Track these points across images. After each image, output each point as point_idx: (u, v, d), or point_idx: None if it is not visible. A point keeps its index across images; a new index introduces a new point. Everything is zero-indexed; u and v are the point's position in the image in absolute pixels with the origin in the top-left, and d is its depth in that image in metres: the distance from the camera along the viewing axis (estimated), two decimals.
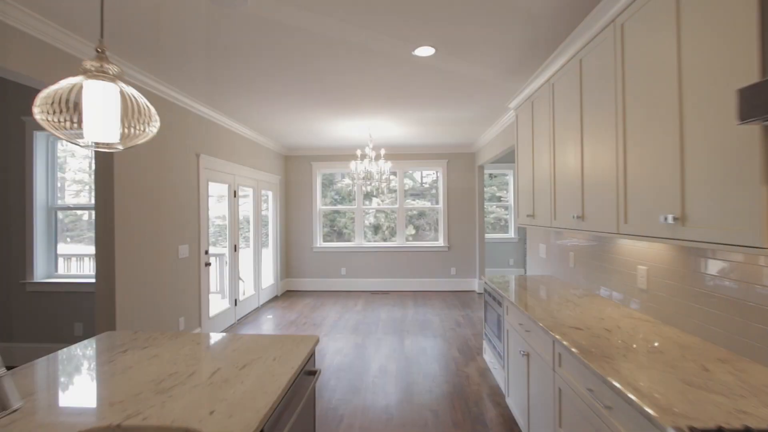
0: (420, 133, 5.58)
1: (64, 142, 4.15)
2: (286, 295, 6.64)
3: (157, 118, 1.44)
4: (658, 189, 1.49)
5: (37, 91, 2.92)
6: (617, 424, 1.28)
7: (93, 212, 3.57)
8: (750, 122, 0.97)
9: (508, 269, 7.87)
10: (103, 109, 1.30)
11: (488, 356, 3.36)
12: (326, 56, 2.86)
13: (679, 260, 1.80)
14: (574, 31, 2.12)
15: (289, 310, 5.64)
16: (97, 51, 1.32)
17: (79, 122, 1.27)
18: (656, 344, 1.61)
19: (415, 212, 7.35)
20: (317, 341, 1.72)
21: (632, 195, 1.67)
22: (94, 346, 1.65)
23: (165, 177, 3.49)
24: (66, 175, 4.06)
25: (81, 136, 1.30)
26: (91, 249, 3.98)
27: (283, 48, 2.70)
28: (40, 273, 3.62)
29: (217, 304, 4.77)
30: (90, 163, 4.14)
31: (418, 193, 7.61)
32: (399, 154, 6.97)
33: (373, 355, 3.84)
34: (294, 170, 7.07)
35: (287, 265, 7.04)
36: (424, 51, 2.74)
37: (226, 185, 4.78)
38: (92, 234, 4.00)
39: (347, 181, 7.41)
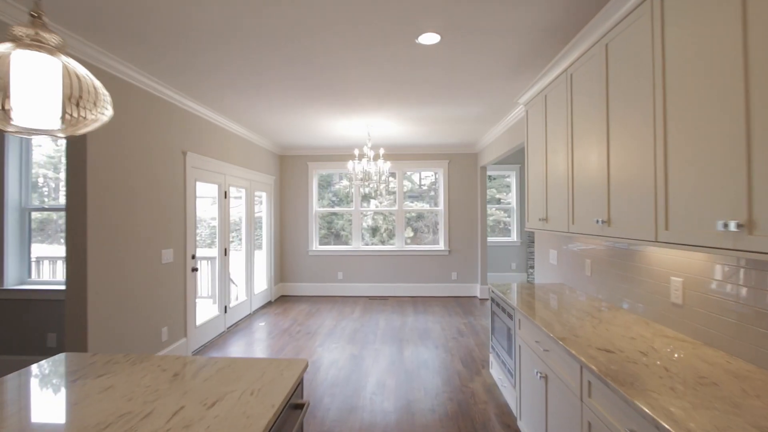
0: (421, 132, 5.34)
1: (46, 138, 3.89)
2: (280, 301, 6.37)
3: (110, 101, 1.18)
4: (715, 190, 1.24)
5: None
6: None
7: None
8: None
9: (511, 274, 7.63)
10: (37, 87, 1.05)
11: (496, 371, 3.11)
12: (320, 42, 2.61)
13: (730, 273, 1.56)
14: (601, 12, 1.88)
15: (283, 317, 5.37)
16: (32, 15, 1.07)
17: (3, 103, 1.01)
18: (705, 374, 1.36)
19: (413, 214, 7.11)
20: (306, 367, 1.47)
21: (676, 198, 1.43)
22: (41, 372, 1.39)
23: (147, 176, 3.23)
24: (40, 172, 3.79)
25: (9, 119, 1.05)
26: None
27: (269, 31, 2.46)
28: (11, 279, 3.34)
29: (205, 312, 4.50)
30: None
31: (416, 196, 7.37)
32: (398, 154, 6.73)
33: (370, 368, 3.58)
34: (289, 170, 6.81)
35: (282, 270, 6.77)
36: (429, 38, 2.50)
37: (216, 185, 4.52)
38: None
39: (345, 182, 7.17)
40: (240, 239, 5.48)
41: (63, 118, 1.09)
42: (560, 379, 1.77)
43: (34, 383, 1.31)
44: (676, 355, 1.53)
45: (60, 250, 3.92)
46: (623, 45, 1.76)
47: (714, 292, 1.63)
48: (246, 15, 2.25)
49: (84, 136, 2.59)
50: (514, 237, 7.72)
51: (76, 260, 2.60)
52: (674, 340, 1.72)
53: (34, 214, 3.68)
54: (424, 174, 7.41)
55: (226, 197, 4.66)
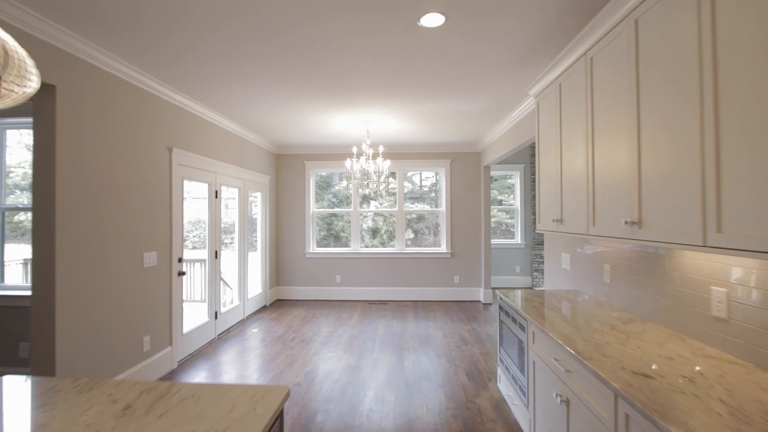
0: (422, 129, 5.10)
1: (22, 132, 3.65)
2: (275, 305, 6.12)
3: (36, 72, 0.94)
4: None
5: None
6: None
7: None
8: None
9: (515, 277, 7.38)
10: None
11: (504, 386, 2.86)
12: (318, 29, 2.37)
13: None
14: None
15: (278, 323, 5.12)
16: None
17: None
18: None
19: (414, 216, 6.86)
20: (286, 396, 1.22)
21: (732, 195, 1.18)
22: None
23: (127, 173, 2.99)
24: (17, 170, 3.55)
25: None
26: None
27: (261, 18, 2.22)
28: None
29: (194, 318, 4.26)
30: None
31: (417, 197, 7.14)
32: (399, 153, 6.49)
33: (368, 380, 3.33)
34: (286, 170, 6.58)
35: (277, 273, 6.53)
36: (432, 19, 2.26)
37: (206, 184, 4.28)
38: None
39: (345, 183, 6.94)
40: (233, 241, 5.24)
41: None
42: (586, 406, 1.52)
43: None
44: (730, 384, 1.28)
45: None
46: (659, 19, 1.52)
47: None
48: (237, 1, 2.02)
49: (53, 128, 2.35)
50: (518, 239, 7.47)
51: (42, 265, 2.36)
52: (720, 361, 1.48)
53: (20, 216, 3.44)
54: (424, 175, 7.19)
55: (216, 197, 4.42)
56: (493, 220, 7.60)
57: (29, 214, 3.50)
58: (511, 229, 7.59)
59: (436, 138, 5.71)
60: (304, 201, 6.54)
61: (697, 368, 1.41)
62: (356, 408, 2.85)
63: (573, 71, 2.28)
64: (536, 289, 7.08)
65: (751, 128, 1.11)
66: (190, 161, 3.85)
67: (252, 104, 3.94)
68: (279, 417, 1.20)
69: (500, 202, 7.63)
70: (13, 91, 0.92)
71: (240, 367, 3.63)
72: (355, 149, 4.61)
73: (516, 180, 7.51)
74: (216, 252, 4.43)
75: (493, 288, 7.18)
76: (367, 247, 6.77)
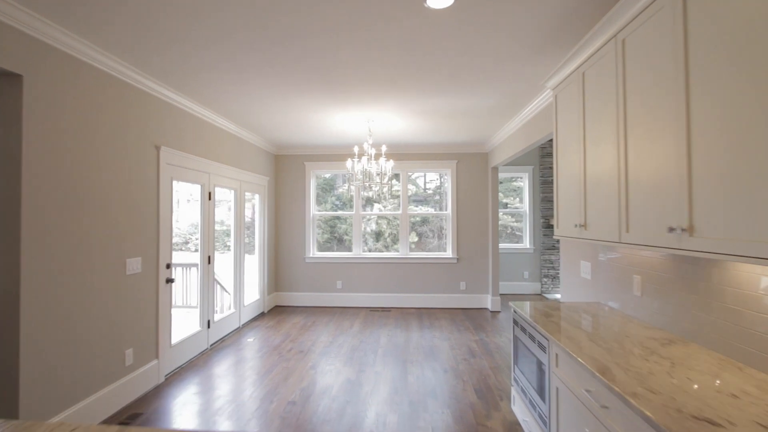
0: (426, 128, 4.85)
1: None
2: (274, 312, 5.87)
3: None
4: None
5: None
6: None
7: None
8: None
9: (523, 283, 7.09)
10: None
11: (519, 409, 2.58)
12: (318, 13, 2.13)
13: None
14: None
15: (275, 331, 4.87)
16: None
17: None
18: None
19: (418, 219, 6.60)
20: None
21: None
22: None
23: (108, 173, 2.76)
24: None
25: None
26: None
27: (255, 4, 1.98)
28: None
29: (185, 327, 4.02)
30: None
31: (421, 200, 6.89)
32: (402, 153, 6.24)
33: (369, 397, 3.07)
34: (285, 171, 6.34)
35: (276, 278, 6.28)
36: (440, 0, 2.01)
37: (199, 186, 4.05)
38: None
39: (351, 188, 6.69)
40: (229, 245, 5.01)
41: None
42: None
43: None
44: None
45: None
46: None
47: None
48: None
49: (19, 121, 2.12)
50: (526, 243, 7.19)
51: (5, 273, 2.12)
52: None
53: None
54: (429, 177, 6.94)
55: (210, 199, 4.19)
56: (498, 223, 7.32)
57: None
58: (517, 233, 7.32)
59: (442, 138, 5.45)
60: (304, 203, 6.30)
61: None
62: (355, 431, 2.59)
63: (600, 57, 2.02)
64: (547, 296, 6.79)
65: None
66: (181, 160, 3.62)
67: (246, 100, 3.70)
68: None
69: (506, 206, 7.36)
70: None
71: (231, 381, 3.38)
72: (356, 149, 4.36)
73: (524, 182, 7.23)
74: (209, 257, 4.19)
75: (501, 294, 6.89)
76: (370, 251, 6.52)
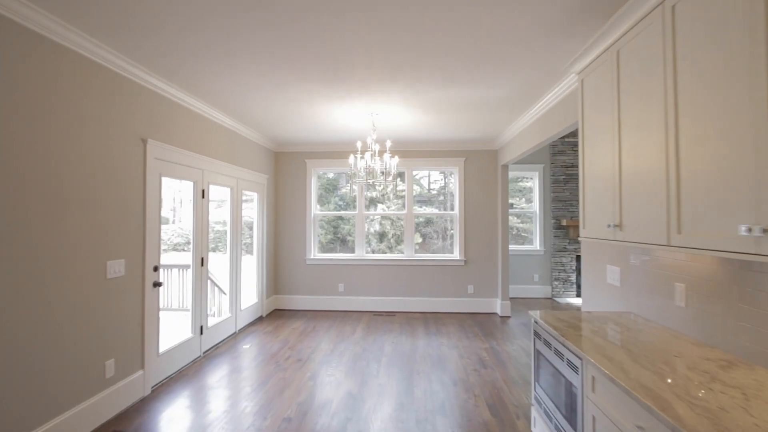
0: (433, 123, 4.57)
1: None
2: (272, 316, 5.61)
3: None
4: None
5: None
6: None
7: None
8: None
9: (533, 286, 6.79)
10: None
11: None
12: None
13: None
14: None
15: (273, 337, 4.61)
16: None
17: None
18: None
19: (421, 220, 6.32)
20: None
21: None
22: None
23: (86, 166, 2.51)
24: None
25: None
26: None
27: None
28: None
29: (176, 333, 3.76)
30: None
31: (425, 200, 6.61)
32: (408, 150, 5.96)
33: (371, 414, 2.80)
34: (285, 169, 6.09)
35: (276, 280, 6.03)
36: None
37: (191, 182, 3.79)
38: None
39: (353, 187, 6.43)
40: (223, 246, 4.76)
41: None
42: None
43: None
44: None
45: None
46: None
47: None
48: None
49: None
50: (536, 245, 6.89)
51: None
52: None
53: None
54: (433, 178, 6.66)
55: (203, 197, 3.94)
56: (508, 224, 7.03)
57: None
58: (523, 234, 7.04)
59: (449, 134, 5.17)
60: (305, 203, 6.04)
61: None
62: None
63: (641, 30, 1.74)
64: (558, 301, 6.49)
65: None
66: (171, 155, 3.37)
67: (241, 90, 3.45)
68: None
69: (511, 206, 7.07)
70: None
71: (223, 393, 3.12)
72: (359, 144, 4.10)
73: (534, 181, 6.94)
74: (202, 258, 3.94)
75: (511, 298, 6.60)
76: (373, 252, 6.24)
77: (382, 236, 6.42)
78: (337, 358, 3.92)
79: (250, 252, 5.47)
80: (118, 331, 2.79)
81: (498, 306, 5.69)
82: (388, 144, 4.22)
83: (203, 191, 3.93)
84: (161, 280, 3.28)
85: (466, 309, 5.82)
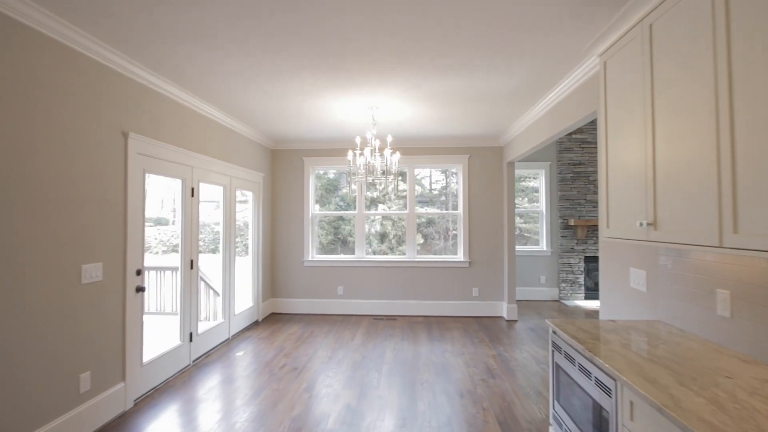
0: (436, 117, 4.34)
1: None
2: (269, 320, 5.38)
3: None
4: None
5: None
6: None
7: None
8: None
9: (539, 288, 6.56)
10: None
11: None
12: None
13: None
14: None
15: (268, 344, 4.38)
16: None
17: None
18: None
19: (423, 220, 6.09)
20: None
21: None
22: None
23: (58, 162, 2.28)
24: None
25: None
26: None
27: None
28: None
29: (161, 342, 3.53)
30: None
31: (426, 200, 6.38)
32: (409, 147, 5.73)
33: (371, 431, 2.56)
34: (282, 167, 5.86)
35: (272, 283, 5.79)
36: None
37: (180, 180, 3.56)
38: None
39: (353, 186, 6.20)
40: (216, 248, 4.53)
41: None
42: None
43: None
44: None
45: None
46: None
47: None
48: None
49: None
50: (543, 246, 6.66)
51: None
52: None
53: None
54: (434, 178, 6.43)
55: (193, 195, 3.71)
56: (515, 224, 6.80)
57: None
58: (526, 234, 6.81)
59: (453, 129, 4.94)
60: (303, 202, 5.81)
61: None
62: None
63: None
64: (566, 303, 6.24)
65: None
66: (156, 151, 3.14)
67: (233, 81, 3.22)
68: None
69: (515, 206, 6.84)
70: None
71: (211, 406, 2.89)
72: (359, 140, 3.86)
73: (540, 180, 6.70)
74: (192, 261, 3.71)
75: (517, 301, 6.36)
76: (374, 253, 6.01)
77: (383, 237, 6.19)
78: (335, 367, 3.68)
79: (243, 254, 5.25)
80: (94, 341, 2.56)
81: (504, 309, 5.45)
82: (389, 139, 3.99)
83: (193, 190, 3.70)
84: (144, 285, 3.05)
85: (471, 312, 5.58)
